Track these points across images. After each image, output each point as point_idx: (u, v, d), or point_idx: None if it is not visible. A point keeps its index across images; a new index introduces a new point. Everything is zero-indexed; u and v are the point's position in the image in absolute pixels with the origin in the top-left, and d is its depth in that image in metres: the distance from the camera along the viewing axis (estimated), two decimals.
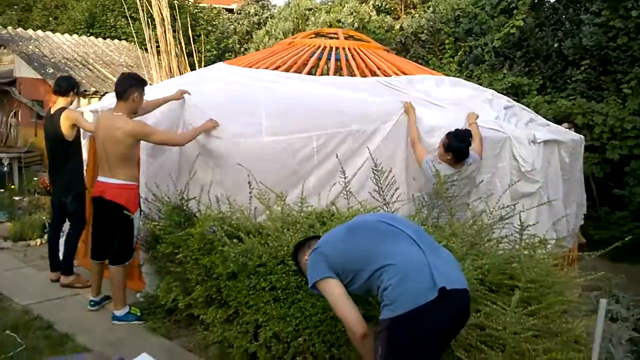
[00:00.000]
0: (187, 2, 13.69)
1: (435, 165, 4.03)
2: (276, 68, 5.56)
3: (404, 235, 2.29)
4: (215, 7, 16.26)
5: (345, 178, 3.74)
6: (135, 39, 11.92)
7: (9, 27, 11.68)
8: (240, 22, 14.78)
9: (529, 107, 8.43)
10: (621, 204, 7.84)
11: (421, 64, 10.41)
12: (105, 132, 4.00)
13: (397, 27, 10.74)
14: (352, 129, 4.20)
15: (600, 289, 5.82)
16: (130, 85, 3.95)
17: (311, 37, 6.68)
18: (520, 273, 2.93)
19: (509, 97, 8.75)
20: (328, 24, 11.93)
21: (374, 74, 5.53)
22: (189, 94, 4.40)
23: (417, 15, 10.95)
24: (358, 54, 5.95)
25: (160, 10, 11.38)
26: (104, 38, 13.41)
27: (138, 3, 11.19)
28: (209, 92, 4.80)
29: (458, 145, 4.03)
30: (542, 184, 4.62)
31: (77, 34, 13.52)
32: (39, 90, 9.95)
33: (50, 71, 9.96)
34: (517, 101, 8.67)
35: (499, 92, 8.73)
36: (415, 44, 10.62)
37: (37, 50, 10.74)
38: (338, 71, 6.04)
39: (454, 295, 2.12)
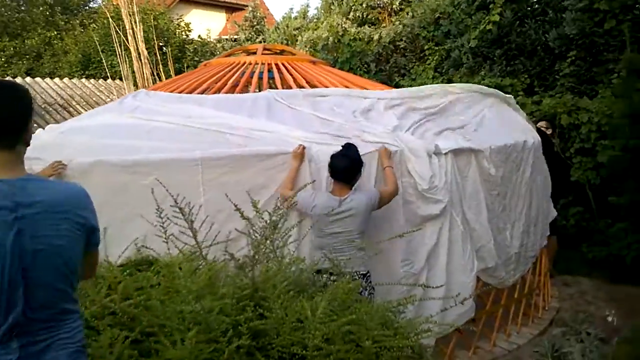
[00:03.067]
0: (174, 34, 13.51)
1: (315, 195, 3.39)
2: (181, 91, 5.10)
3: None
4: (216, 38, 16.10)
5: (159, 214, 3.07)
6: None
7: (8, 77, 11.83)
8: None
9: None
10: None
11: (403, 74, 9.68)
12: None
13: (376, 37, 10.00)
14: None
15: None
16: None
17: (234, 55, 6.20)
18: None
19: None
20: (311, 41, 11.36)
21: (273, 87, 4.89)
22: (64, 167, 3.66)
23: (397, 22, 10.17)
24: (274, 68, 5.40)
25: (136, 44, 11.23)
26: (98, 79, 13.42)
27: (114, 39, 11.07)
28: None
29: (333, 160, 3.40)
30: (446, 204, 3.75)
31: (75, 76, 13.62)
32: None
33: None
34: None
35: None
36: (395, 53, 9.83)
37: None
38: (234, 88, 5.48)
39: None
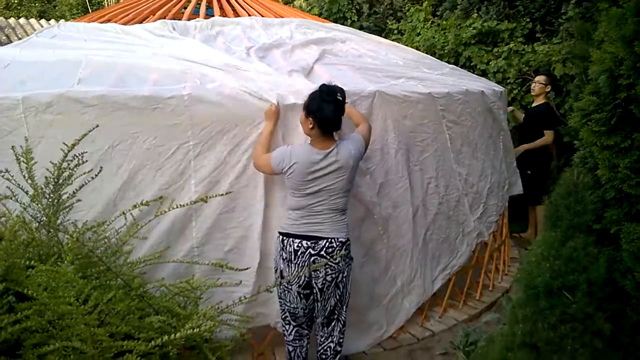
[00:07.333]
0: None
1: (292, 150, 2.74)
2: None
3: None
4: None
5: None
6: None
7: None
8: None
9: (498, 59, 6.59)
10: None
11: (400, 17, 8.74)
12: None
13: None
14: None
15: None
16: None
17: None
18: None
19: (482, 47, 6.93)
20: None
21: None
22: None
23: None
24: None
25: None
26: None
27: None
28: None
29: (318, 104, 2.65)
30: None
31: (76, 18, 13.28)
32: None
33: None
34: (490, 52, 6.82)
35: (466, 43, 6.99)
36: None
37: (4, 38, 10.46)
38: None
39: None
